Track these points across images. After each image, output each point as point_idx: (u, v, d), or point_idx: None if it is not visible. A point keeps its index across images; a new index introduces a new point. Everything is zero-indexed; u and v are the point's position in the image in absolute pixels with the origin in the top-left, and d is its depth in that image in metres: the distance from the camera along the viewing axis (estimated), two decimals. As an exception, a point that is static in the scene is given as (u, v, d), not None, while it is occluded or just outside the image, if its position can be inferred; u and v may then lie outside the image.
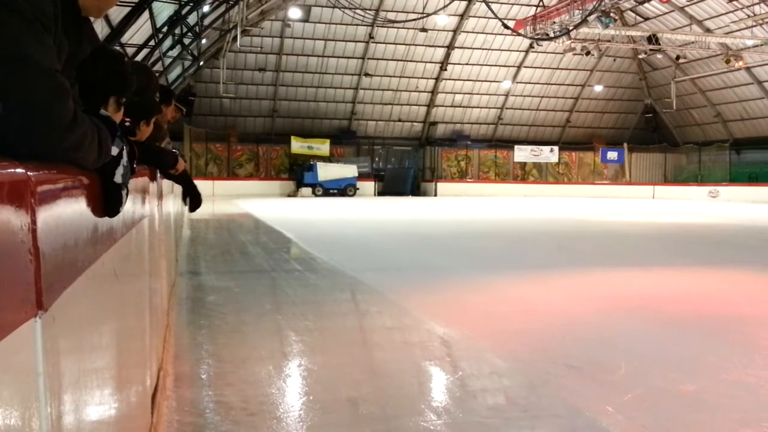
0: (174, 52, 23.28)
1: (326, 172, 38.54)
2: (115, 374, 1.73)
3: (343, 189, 38.63)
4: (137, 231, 2.37)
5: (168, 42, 21.94)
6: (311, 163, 38.91)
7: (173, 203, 6.71)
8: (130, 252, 2.18)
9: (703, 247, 12.75)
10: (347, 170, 39.60)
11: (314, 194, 37.77)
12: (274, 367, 4.06)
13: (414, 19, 32.01)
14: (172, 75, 27.60)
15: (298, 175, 39.05)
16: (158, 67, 22.74)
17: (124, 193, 1.53)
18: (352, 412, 3.35)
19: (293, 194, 38.39)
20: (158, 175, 3.95)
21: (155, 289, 3.46)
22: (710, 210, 26.52)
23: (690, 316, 5.90)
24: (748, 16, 32.13)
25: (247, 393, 3.56)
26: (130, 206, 1.78)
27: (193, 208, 4.53)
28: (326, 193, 38.06)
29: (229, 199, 30.58)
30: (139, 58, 19.23)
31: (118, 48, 17.40)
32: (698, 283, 7.97)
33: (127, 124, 2.21)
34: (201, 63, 31.59)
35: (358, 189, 39.15)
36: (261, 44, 37.37)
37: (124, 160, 1.53)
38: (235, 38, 31.10)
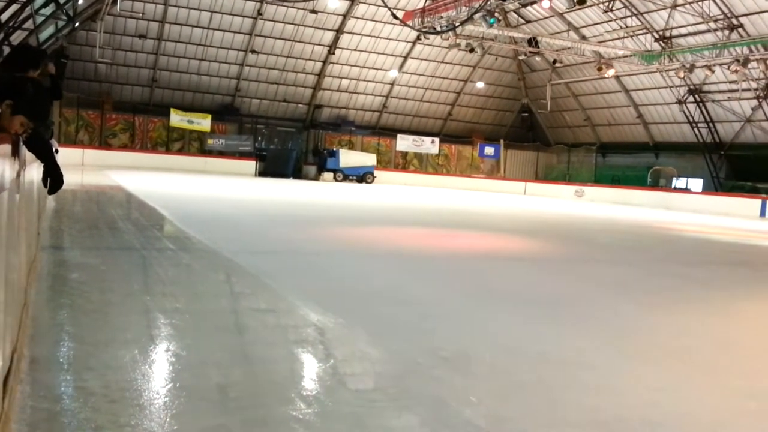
0: (47, 11, 21.80)
1: (348, 159, 40.66)
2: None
3: (362, 176, 40.83)
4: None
5: (41, -2, 20.52)
6: (334, 149, 41.33)
7: (37, 171, 6.29)
8: (-16, 228, 2.02)
9: (572, 243, 13.45)
10: (367, 158, 41.86)
11: (335, 179, 39.89)
12: (139, 351, 3.91)
13: None
14: (44, 34, 25.86)
15: (321, 159, 40.85)
16: (29, 24, 21.24)
17: None
18: (221, 399, 3.29)
19: (316, 178, 40.16)
20: (21, 142, 3.71)
21: (12, 264, 3.24)
22: (576, 208, 28.02)
23: (555, 308, 6.20)
24: (621, 28, 34.15)
25: (109, 378, 3.40)
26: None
27: (53, 191, 4.27)
28: (346, 178, 40.25)
29: (99, 169, 29.13)
30: (7, 14, 17.88)
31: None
32: (570, 279, 8.40)
33: None
34: (76, 24, 29.77)
35: (375, 177, 41.23)
36: (143, 10, 35.75)
37: None
38: (114, 1, 29.55)
